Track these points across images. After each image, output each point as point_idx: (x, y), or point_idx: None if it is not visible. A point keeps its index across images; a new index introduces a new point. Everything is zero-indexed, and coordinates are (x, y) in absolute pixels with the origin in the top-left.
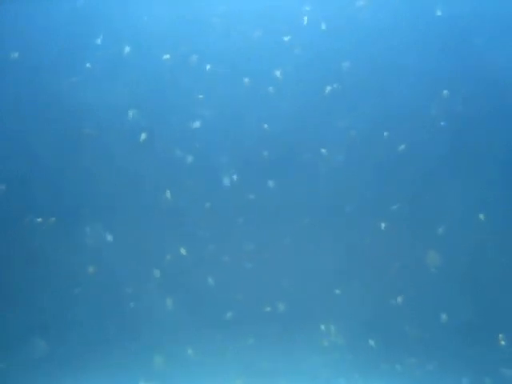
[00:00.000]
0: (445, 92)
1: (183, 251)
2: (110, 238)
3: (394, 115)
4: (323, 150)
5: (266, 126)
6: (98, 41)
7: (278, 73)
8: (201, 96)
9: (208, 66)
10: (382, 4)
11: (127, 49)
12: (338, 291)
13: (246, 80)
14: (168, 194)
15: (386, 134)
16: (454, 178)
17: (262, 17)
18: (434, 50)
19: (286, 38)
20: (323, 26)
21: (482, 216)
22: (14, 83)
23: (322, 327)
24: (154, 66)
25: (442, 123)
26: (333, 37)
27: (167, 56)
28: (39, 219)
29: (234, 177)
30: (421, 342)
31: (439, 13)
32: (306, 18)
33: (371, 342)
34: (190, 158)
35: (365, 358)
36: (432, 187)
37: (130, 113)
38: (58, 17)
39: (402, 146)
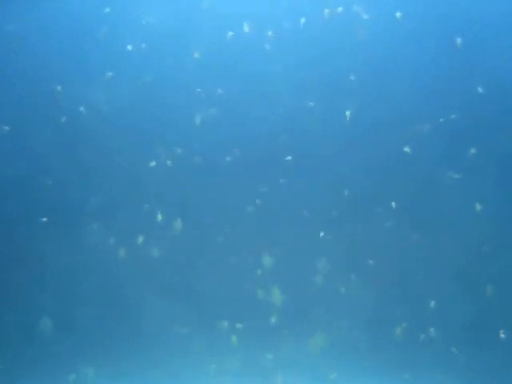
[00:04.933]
0: (444, 91)
1: (185, 251)
2: (111, 237)
3: (395, 115)
4: (325, 149)
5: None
6: (99, 41)
7: (279, 72)
8: (199, 89)
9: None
10: (383, 5)
11: (129, 48)
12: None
13: (247, 77)
14: (168, 193)
15: (386, 133)
16: (453, 176)
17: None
18: (434, 50)
19: (287, 37)
20: (324, 26)
21: (481, 215)
22: (15, 84)
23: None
24: (154, 66)
25: (441, 120)
26: (334, 36)
27: (168, 55)
28: (44, 219)
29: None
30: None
31: (440, 13)
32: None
33: (372, 339)
34: (192, 156)
35: (365, 353)
36: (432, 187)
37: (132, 111)
38: (58, 16)
39: (403, 145)
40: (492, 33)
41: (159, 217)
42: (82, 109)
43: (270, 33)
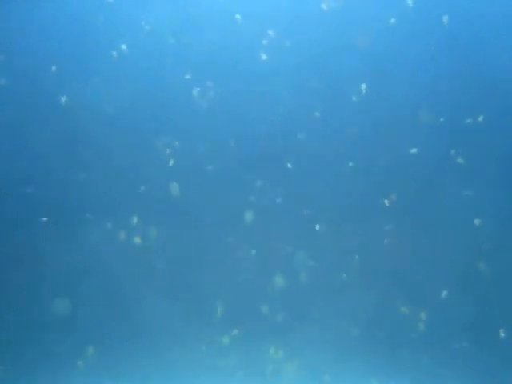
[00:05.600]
0: (445, 91)
1: (186, 250)
2: (111, 237)
3: (395, 115)
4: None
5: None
6: (98, 40)
7: (279, 71)
8: (198, 88)
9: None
10: (383, 4)
11: (127, 48)
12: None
13: (247, 77)
14: (171, 191)
15: (387, 132)
16: (454, 177)
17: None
18: (434, 50)
19: (287, 36)
20: (324, 25)
21: (482, 215)
22: (16, 83)
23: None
24: (154, 65)
25: (442, 119)
26: (334, 35)
27: (168, 55)
28: (44, 218)
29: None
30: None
31: (441, 14)
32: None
33: (372, 339)
34: (191, 156)
35: (364, 353)
36: (431, 185)
37: (131, 112)
38: (58, 16)
39: (404, 144)
40: (492, 33)
41: (160, 218)
42: (82, 108)
43: (270, 32)
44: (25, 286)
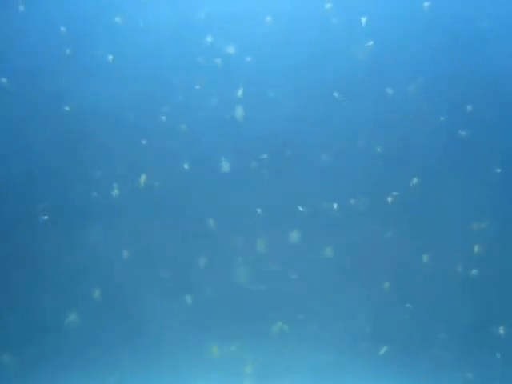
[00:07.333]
0: (445, 91)
1: (185, 250)
2: (112, 235)
3: (395, 114)
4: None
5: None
6: (98, 40)
7: (280, 71)
8: (198, 87)
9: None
10: (383, 4)
11: (126, 48)
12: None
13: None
14: (170, 194)
15: (387, 132)
16: (453, 175)
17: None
18: (434, 47)
19: (286, 36)
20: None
21: (481, 214)
22: (16, 83)
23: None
24: (154, 66)
25: (442, 118)
26: (334, 35)
27: (166, 55)
28: (45, 217)
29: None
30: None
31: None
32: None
33: (369, 340)
34: (189, 157)
35: (363, 354)
36: (431, 185)
37: (130, 112)
38: (57, 16)
39: (405, 144)
40: (492, 33)
41: (160, 219)
42: (82, 108)
43: (269, 32)
44: (25, 285)
